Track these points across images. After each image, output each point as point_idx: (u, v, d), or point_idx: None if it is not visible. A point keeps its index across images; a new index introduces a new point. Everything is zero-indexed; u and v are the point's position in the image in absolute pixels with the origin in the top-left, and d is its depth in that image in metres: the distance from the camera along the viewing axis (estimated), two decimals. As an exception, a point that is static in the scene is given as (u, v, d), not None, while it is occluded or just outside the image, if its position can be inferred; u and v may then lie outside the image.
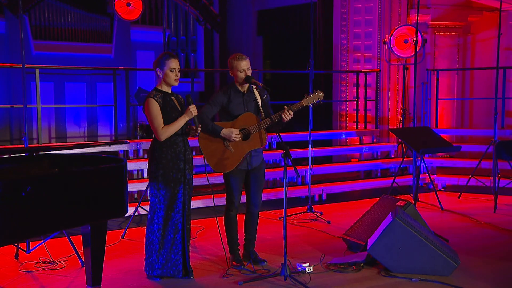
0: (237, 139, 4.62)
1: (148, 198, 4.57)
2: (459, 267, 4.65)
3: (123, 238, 5.81)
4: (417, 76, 9.90)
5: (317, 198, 7.72)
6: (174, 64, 4.38)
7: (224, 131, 4.62)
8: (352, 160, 9.89)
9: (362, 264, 4.80)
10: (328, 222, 6.44)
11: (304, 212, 6.72)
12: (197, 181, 6.90)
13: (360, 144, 9.50)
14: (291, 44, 12.65)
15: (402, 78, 9.65)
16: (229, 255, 4.93)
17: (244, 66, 4.67)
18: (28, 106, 7.18)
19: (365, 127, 9.80)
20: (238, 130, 4.64)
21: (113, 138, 7.54)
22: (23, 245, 5.15)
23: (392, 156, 9.30)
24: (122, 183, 3.63)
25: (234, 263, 4.85)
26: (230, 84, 4.81)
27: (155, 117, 4.33)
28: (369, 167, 8.88)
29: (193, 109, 4.36)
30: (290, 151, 7.94)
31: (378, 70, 9.93)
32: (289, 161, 4.37)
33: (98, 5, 10.98)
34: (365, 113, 9.84)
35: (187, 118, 4.37)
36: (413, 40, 8.83)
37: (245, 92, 4.75)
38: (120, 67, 7.70)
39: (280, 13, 12.46)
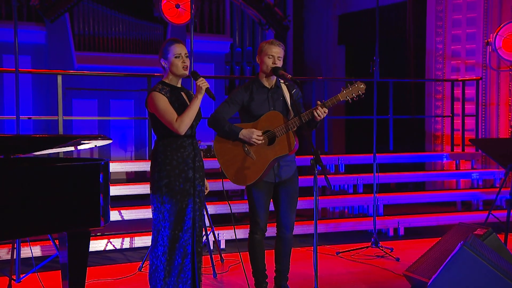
0: (259, 142, 4.41)
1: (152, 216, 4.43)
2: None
3: (140, 270, 5.72)
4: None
5: (391, 233, 7.27)
6: (179, 49, 4.25)
7: (244, 132, 4.43)
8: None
9: (421, 307, 4.39)
10: (397, 260, 6.02)
11: (367, 247, 6.33)
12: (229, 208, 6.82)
13: (456, 169, 8.95)
14: (378, 53, 12.27)
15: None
16: (254, 290, 4.70)
17: (276, 53, 4.49)
18: (49, 118, 7.40)
19: (463, 150, 9.22)
20: (262, 132, 4.45)
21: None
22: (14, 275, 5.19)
23: (497, 185, 8.67)
24: (97, 186, 3.49)
25: (259, 299, 4.60)
26: (253, 79, 4.63)
27: (165, 110, 4.18)
28: (464, 197, 8.31)
29: (201, 83, 4.17)
30: (365, 175, 7.78)
31: (480, 77, 9.36)
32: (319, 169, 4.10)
33: (150, 11, 11.19)
34: (463, 132, 9.26)
35: (200, 96, 4.20)
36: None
37: (272, 87, 4.56)
38: (156, 74, 7.70)
39: (365, 16, 12.13)
